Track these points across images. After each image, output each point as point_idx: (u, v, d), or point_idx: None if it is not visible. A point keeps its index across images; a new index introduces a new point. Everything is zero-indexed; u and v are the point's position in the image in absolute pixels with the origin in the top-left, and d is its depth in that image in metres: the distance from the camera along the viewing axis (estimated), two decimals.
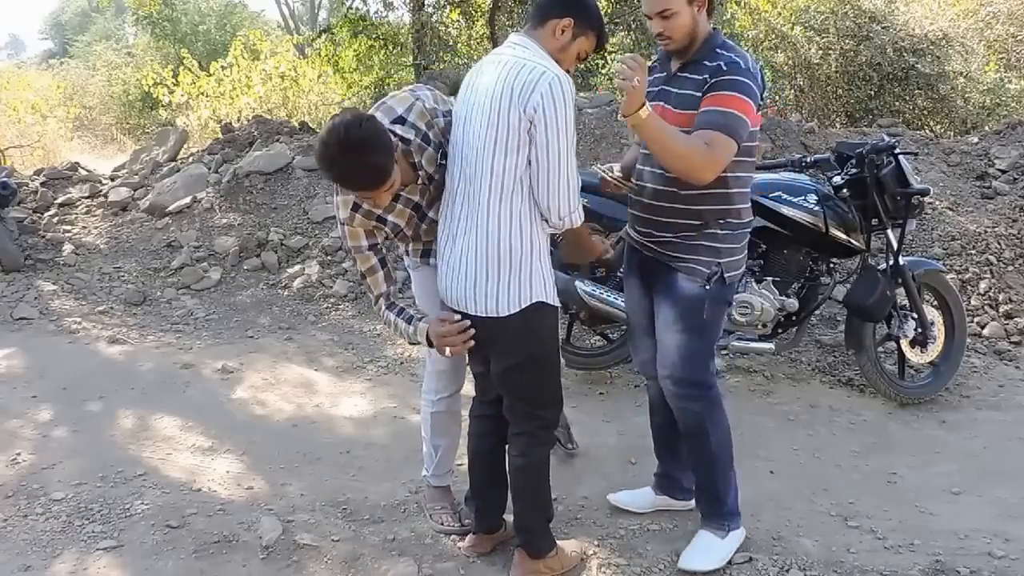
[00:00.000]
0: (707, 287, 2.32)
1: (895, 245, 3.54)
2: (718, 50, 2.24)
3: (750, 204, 2.43)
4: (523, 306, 2.17)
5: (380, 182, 2.10)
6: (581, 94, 7.09)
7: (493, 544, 2.54)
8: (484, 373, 2.41)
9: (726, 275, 2.35)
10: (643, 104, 2.10)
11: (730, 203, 2.33)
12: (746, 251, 2.45)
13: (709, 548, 2.46)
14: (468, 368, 2.53)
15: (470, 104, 2.18)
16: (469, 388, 2.58)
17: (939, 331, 3.75)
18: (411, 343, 2.42)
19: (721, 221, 2.33)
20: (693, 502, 2.65)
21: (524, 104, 2.04)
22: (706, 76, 2.22)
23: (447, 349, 2.29)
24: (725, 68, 2.19)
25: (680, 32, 2.25)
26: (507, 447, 2.40)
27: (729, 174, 2.27)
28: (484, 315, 2.19)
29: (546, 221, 2.19)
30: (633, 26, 8.69)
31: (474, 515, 2.55)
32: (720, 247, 2.34)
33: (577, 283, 3.61)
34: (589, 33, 2.22)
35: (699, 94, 2.22)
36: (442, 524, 2.66)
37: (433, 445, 2.71)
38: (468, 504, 2.61)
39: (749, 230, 2.43)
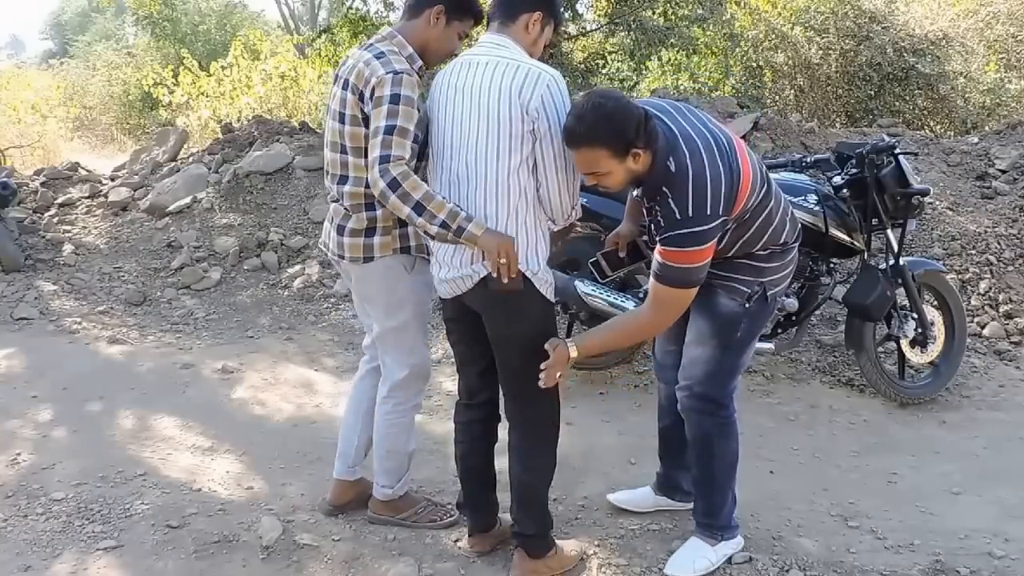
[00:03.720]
0: (747, 305, 2.30)
1: (895, 245, 3.55)
2: (664, 189, 2.06)
3: (790, 226, 2.34)
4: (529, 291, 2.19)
5: None
6: (581, 94, 7.07)
7: (493, 543, 2.54)
8: (478, 372, 2.40)
9: (768, 293, 2.32)
10: (567, 351, 2.12)
11: (770, 239, 2.27)
12: (792, 267, 2.40)
13: (696, 554, 2.45)
14: (458, 369, 2.50)
15: (456, 107, 2.15)
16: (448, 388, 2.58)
17: (939, 331, 3.75)
18: (446, 240, 2.13)
19: (767, 246, 2.29)
20: (692, 504, 2.65)
21: (525, 105, 2.05)
22: (651, 223, 2.15)
23: (495, 262, 2.10)
24: (663, 222, 2.06)
25: (618, 183, 2.09)
26: (508, 455, 2.38)
27: (748, 234, 2.22)
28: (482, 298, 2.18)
29: (552, 221, 2.22)
30: (633, 26, 8.68)
31: (470, 517, 2.54)
32: (764, 267, 2.31)
33: (577, 283, 3.61)
34: (552, 22, 2.25)
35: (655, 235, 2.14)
36: (437, 521, 2.66)
37: (408, 452, 2.66)
38: (461, 510, 2.60)
39: (795, 247, 2.39)
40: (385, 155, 2.13)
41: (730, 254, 2.26)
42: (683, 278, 2.08)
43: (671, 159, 2.05)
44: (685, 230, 2.03)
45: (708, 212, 2.02)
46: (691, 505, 2.65)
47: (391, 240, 2.39)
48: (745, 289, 2.30)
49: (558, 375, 2.16)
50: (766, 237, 2.26)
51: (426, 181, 2.26)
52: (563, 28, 8.96)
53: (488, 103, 2.08)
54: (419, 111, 2.26)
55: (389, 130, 2.16)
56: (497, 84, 2.08)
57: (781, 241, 2.31)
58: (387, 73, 2.21)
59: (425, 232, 2.15)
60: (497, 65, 2.10)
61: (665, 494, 2.77)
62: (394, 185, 2.10)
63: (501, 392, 2.39)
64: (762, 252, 2.29)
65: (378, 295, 2.48)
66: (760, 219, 2.22)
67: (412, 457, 2.70)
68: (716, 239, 2.09)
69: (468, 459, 2.48)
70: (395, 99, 2.18)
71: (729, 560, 2.48)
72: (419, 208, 2.09)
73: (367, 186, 2.26)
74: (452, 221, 2.08)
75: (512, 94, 2.06)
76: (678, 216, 2.03)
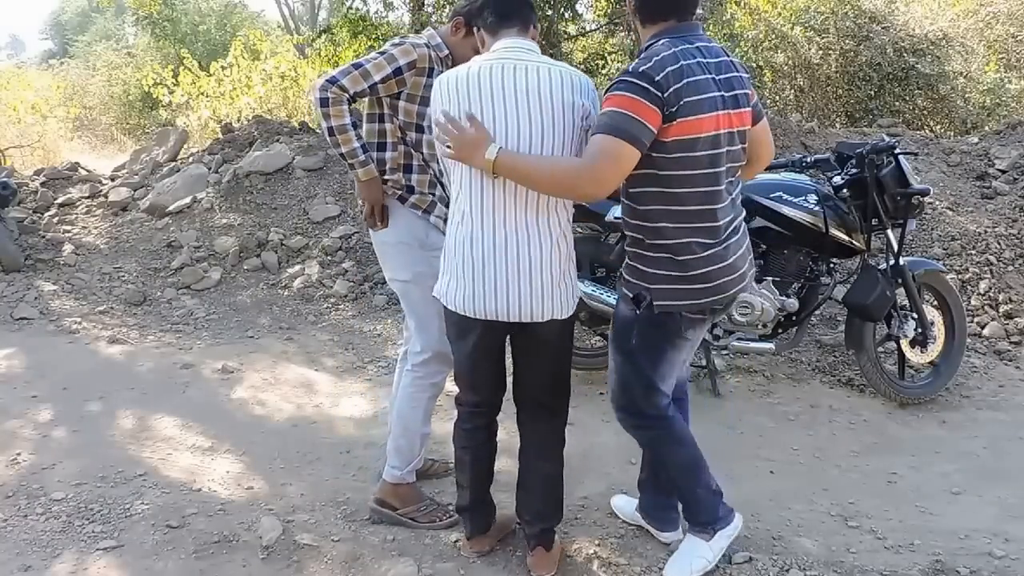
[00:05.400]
0: (637, 311, 2.19)
1: (895, 245, 3.55)
2: (636, 58, 2.12)
3: (693, 236, 2.12)
4: (577, 301, 2.29)
5: None
6: None
7: (492, 543, 2.55)
8: (495, 383, 2.41)
9: (656, 303, 2.16)
10: (483, 153, 2.04)
11: (656, 223, 2.13)
12: (694, 288, 2.14)
13: (693, 554, 2.42)
14: (471, 383, 2.45)
15: (513, 109, 2.09)
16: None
17: (939, 331, 3.75)
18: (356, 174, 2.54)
19: (649, 243, 2.16)
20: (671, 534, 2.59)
21: (583, 110, 2.13)
22: None
23: (366, 205, 2.58)
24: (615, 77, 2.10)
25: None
26: (532, 454, 2.43)
27: (655, 189, 2.11)
28: (551, 319, 2.21)
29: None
30: (633, 27, 8.69)
31: (471, 520, 2.54)
32: (648, 271, 2.17)
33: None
34: None
35: None
36: (436, 522, 2.67)
37: (422, 434, 2.72)
38: (461, 513, 2.57)
39: (694, 266, 2.12)
40: (335, 78, 2.43)
41: (637, 192, 2.14)
42: (618, 124, 1.99)
43: (659, 40, 2.10)
44: (627, 78, 2.02)
45: (655, 79, 2.00)
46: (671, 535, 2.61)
47: (398, 179, 2.60)
48: (630, 292, 2.23)
49: (448, 148, 2.10)
50: (655, 207, 2.12)
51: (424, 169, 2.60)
52: (563, 28, 8.97)
53: (543, 104, 2.09)
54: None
55: (356, 65, 2.46)
56: (558, 89, 2.10)
57: (664, 225, 2.12)
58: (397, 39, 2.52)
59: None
60: (551, 69, 2.12)
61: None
62: (324, 103, 2.41)
63: (530, 392, 2.40)
64: (650, 253, 2.17)
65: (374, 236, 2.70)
66: (684, 190, 2.09)
67: (424, 442, 2.73)
68: (652, 107, 1.99)
69: (477, 464, 2.48)
70: (382, 52, 2.49)
71: (729, 560, 2.48)
72: (332, 132, 2.45)
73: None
74: (350, 157, 2.49)
75: (565, 95, 2.10)
76: (628, 68, 2.06)
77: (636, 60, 2.08)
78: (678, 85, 2.01)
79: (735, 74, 2.16)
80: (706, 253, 2.13)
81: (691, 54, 2.07)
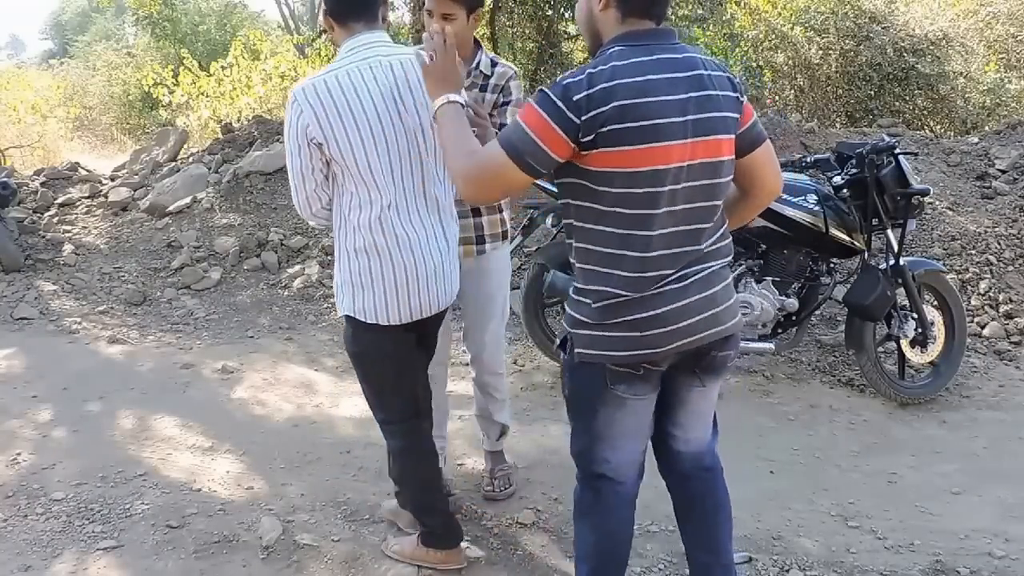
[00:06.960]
0: (571, 357, 1.88)
1: (895, 245, 3.55)
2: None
3: (617, 278, 1.76)
4: None
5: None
6: None
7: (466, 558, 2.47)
8: (424, 381, 2.40)
9: (575, 350, 1.85)
10: (445, 92, 1.89)
11: (576, 262, 1.85)
12: (609, 339, 1.79)
13: None
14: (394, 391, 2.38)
15: (371, 117, 2.07)
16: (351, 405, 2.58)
17: (939, 331, 3.75)
18: None
19: (575, 285, 1.87)
20: None
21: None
22: None
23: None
24: None
25: (580, 9, 1.90)
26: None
27: (577, 222, 1.82)
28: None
29: None
30: None
31: (452, 530, 2.43)
32: (570, 313, 1.86)
33: None
34: None
35: None
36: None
37: (444, 410, 2.81)
38: (443, 528, 2.42)
39: (615, 306, 1.77)
40: None
41: (572, 229, 1.85)
42: (516, 142, 1.72)
43: (614, 47, 1.77)
44: (549, 91, 1.72)
45: (574, 98, 1.68)
46: None
47: None
48: (561, 336, 1.95)
49: (427, 58, 1.96)
50: (578, 246, 1.83)
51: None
52: (563, 28, 8.97)
53: (423, 100, 2.09)
54: None
55: None
56: (414, 78, 2.12)
57: (591, 291, 1.80)
58: None
59: None
60: (402, 60, 2.13)
61: None
62: None
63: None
64: (574, 295, 1.86)
65: None
66: (603, 228, 1.77)
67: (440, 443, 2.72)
68: (560, 134, 1.69)
69: (438, 475, 2.46)
70: None
71: None
72: None
73: None
74: None
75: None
76: (559, 78, 1.75)
77: (576, 68, 1.78)
78: (603, 109, 1.67)
79: (714, 92, 1.75)
80: (624, 299, 1.77)
81: (645, 69, 1.71)
